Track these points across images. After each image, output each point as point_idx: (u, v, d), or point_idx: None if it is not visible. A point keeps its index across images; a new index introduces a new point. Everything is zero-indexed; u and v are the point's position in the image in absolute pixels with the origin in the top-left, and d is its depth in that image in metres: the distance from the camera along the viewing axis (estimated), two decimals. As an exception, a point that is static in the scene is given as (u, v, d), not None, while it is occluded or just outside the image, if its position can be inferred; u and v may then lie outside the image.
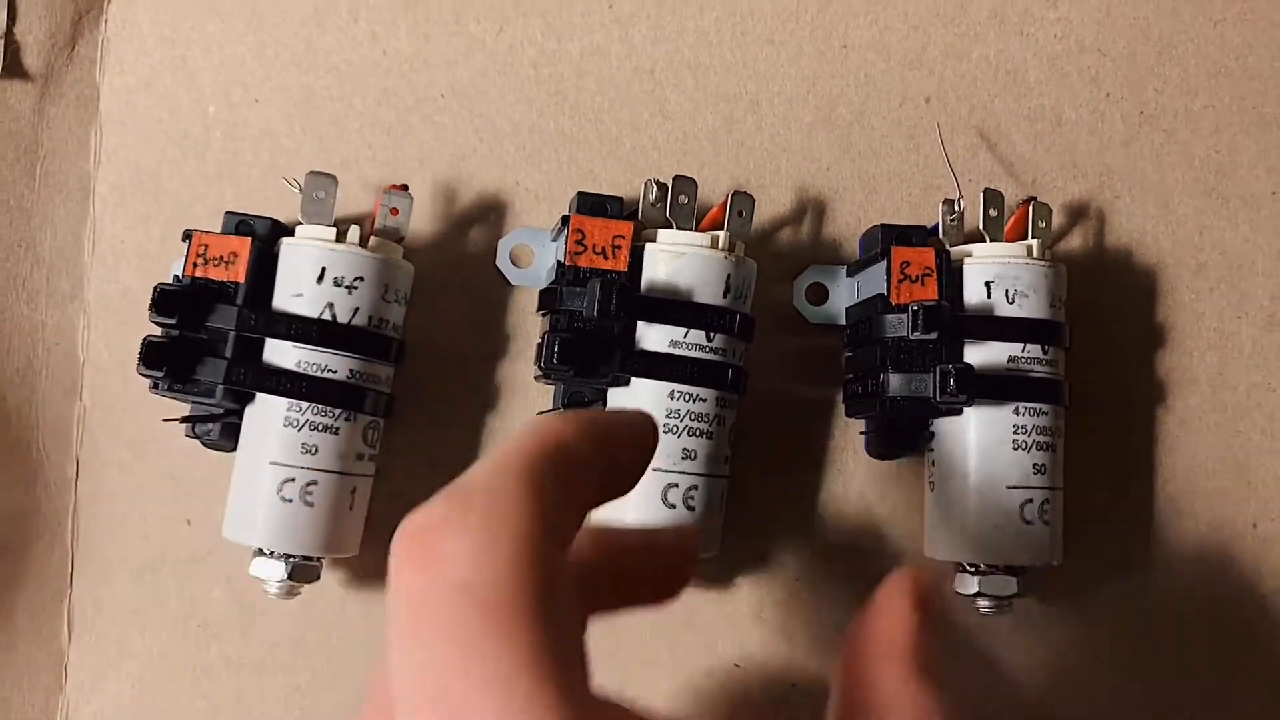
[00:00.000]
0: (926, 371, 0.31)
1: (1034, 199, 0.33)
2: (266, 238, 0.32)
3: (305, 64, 0.36)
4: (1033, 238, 0.33)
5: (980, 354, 0.32)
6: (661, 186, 0.32)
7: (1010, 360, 0.31)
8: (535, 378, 0.33)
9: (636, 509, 0.31)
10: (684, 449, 0.31)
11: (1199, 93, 0.36)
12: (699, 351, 0.31)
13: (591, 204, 0.32)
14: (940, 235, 0.33)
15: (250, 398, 0.31)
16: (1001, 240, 0.33)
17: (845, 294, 0.34)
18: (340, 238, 0.31)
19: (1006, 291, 0.32)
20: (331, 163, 0.36)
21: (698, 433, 0.31)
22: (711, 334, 0.31)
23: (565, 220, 0.32)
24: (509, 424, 0.35)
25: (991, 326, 0.32)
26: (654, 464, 0.30)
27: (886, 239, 0.33)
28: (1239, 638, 0.35)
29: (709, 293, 0.31)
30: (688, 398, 0.31)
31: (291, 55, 0.36)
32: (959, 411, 0.31)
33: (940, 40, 0.36)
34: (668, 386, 0.31)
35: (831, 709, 0.23)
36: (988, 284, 0.32)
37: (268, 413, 0.31)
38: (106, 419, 0.35)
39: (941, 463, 0.32)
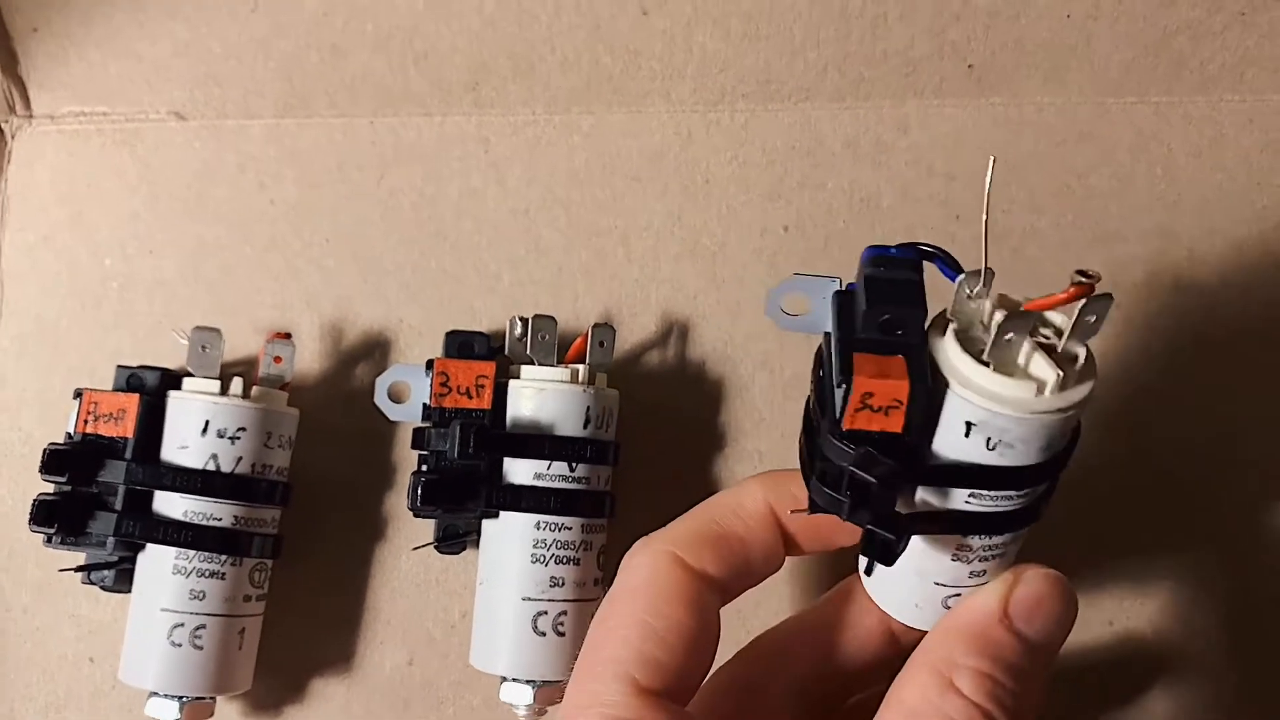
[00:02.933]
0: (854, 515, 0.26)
1: (1087, 276, 0.25)
2: (156, 390, 0.36)
3: (196, 215, 0.41)
4: (1059, 360, 0.26)
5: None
6: (525, 322, 0.36)
7: (971, 498, 0.27)
8: (415, 512, 0.37)
9: (506, 638, 0.34)
10: (551, 577, 0.35)
11: (1044, 210, 0.41)
12: (562, 482, 0.35)
13: (459, 343, 0.37)
14: (962, 291, 0.27)
15: (142, 546, 0.35)
16: (1010, 359, 0.26)
17: (828, 314, 0.29)
18: (224, 388, 0.35)
19: (989, 440, 0.26)
20: (222, 308, 0.40)
21: (564, 560, 0.35)
22: (574, 464, 0.35)
23: (430, 364, 0.36)
24: (397, 553, 0.39)
25: (960, 477, 0.27)
26: (523, 593, 0.35)
27: (869, 321, 0.26)
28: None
29: (570, 425, 0.35)
30: (553, 527, 0.35)
31: (183, 207, 0.41)
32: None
33: (797, 172, 0.41)
34: (534, 518, 0.35)
35: None
36: (969, 424, 0.26)
37: (157, 561, 0.34)
38: (11, 564, 0.39)
39: None
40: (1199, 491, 0.39)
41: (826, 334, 0.28)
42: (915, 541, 0.28)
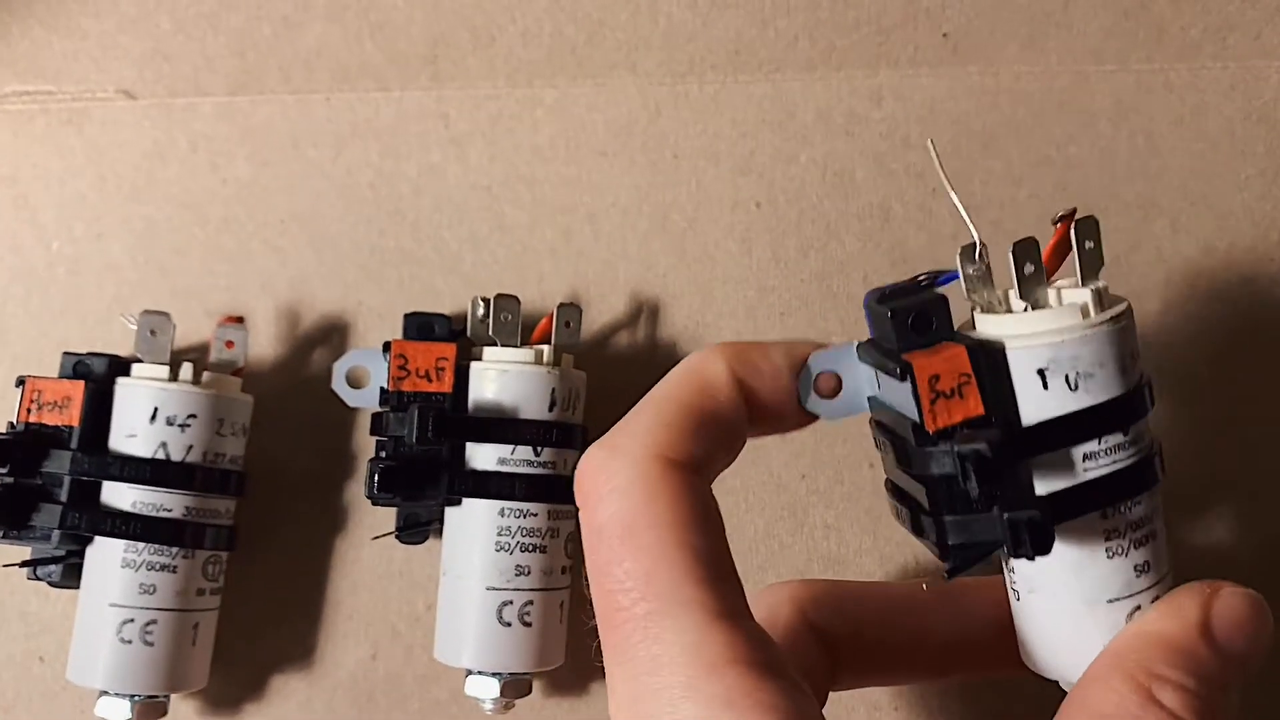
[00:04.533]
0: (989, 510, 0.26)
1: (1074, 213, 0.27)
2: (104, 377, 0.35)
3: (146, 196, 0.39)
4: (1084, 281, 0.27)
5: (1050, 464, 0.26)
6: (488, 303, 0.35)
7: (1087, 459, 0.26)
8: (374, 501, 0.36)
9: (471, 630, 0.33)
10: (517, 565, 0.34)
11: (1023, 182, 0.40)
12: (527, 467, 0.34)
13: (418, 324, 0.36)
14: (965, 295, 0.27)
15: (89, 538, 0.34)
16: (1041, 302, 0.27)
17: (864, 380, 0.28)
18: (174, 375, 0.34)
19: (1068, 377, 0.26)
20: (175, 292, 0.39)
21: (530, 548, 0.34)
22: (539, 448, 0.34)
23: (388, 346, 0.35)
24: (358, 545, 0.37)
25: (1060, 431, 0.26)
26: (487, 583, 0.34)
27: (900, 333, 0.26)
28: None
29: (534, 408, 0.34)
30: (518, 514, 0.34)
31: (132, 188, 0.39)
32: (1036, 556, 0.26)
33: (768, 145, 0.40)
34: (498, 504, 0.34)
35: None
36: (1041, 372, 0.26)
37: (106, 554, 0.33)
38: (-45, 561, 0.38)
39: (1025, 579, 0.28)
40: (1189, 461, 0.38)
41: (871, 404, 0.28)
42: (1065, 554, 0.26)
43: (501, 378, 0.34)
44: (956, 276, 0.27)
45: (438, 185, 0.39)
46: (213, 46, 0.40)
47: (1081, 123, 0.40)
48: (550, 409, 0.34)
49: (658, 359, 0.39)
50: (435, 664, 0.36)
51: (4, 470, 0.33)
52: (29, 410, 0.34)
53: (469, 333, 0.36)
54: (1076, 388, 0.26)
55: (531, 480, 0.34)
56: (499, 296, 0.35)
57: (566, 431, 0.35)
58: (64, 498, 0.33)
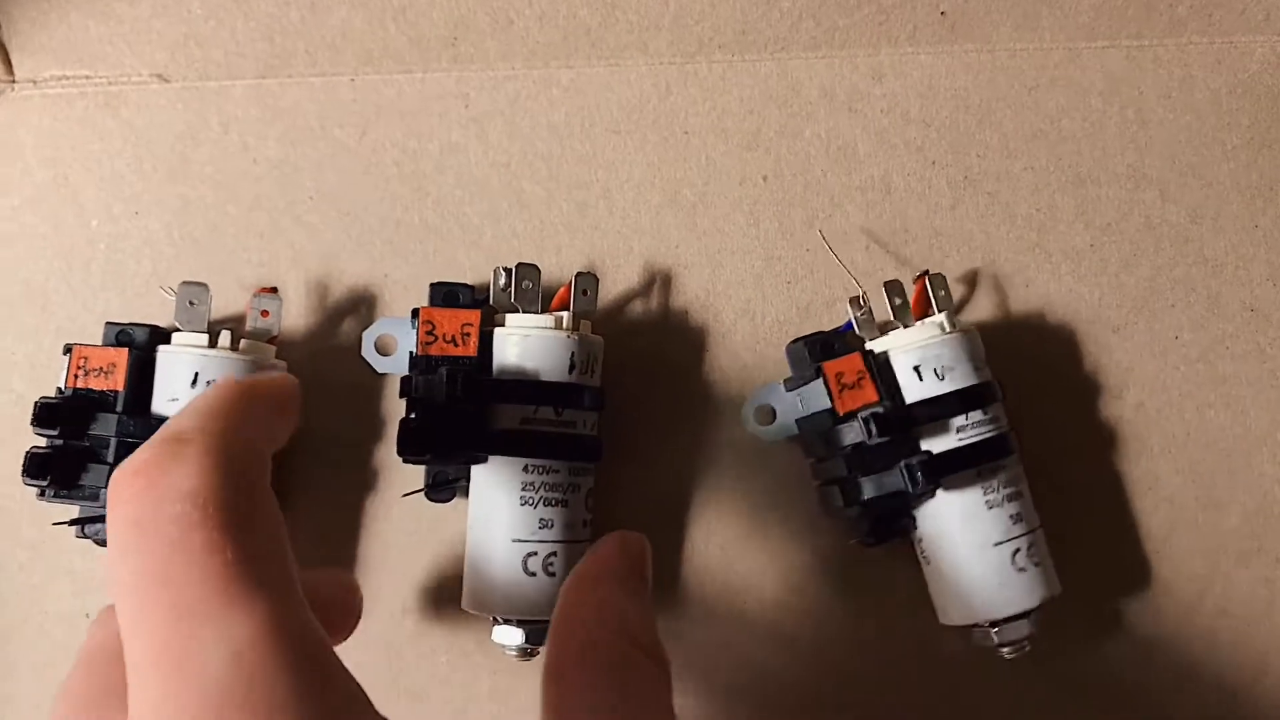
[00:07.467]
0: (892, 468, 0.35)
1: (927, 272, 0.37)
2: (145, 345, 0.36)
3: (181, 176, 0.41)
4: (939, 311, 0.36)
5: (932, 434, 0.35)
6: (510, 272, 0.36)
7: (959, 431, 0.35)
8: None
9: (497, 580, 0.35)
10: (540, 519, 0.35)
11: (1018, 155, 0.41)
12: (549, 426, 0.35)
13: (444, 293, 0.37)
14: (856, 332, 0.37)
15: (134, 496, 0.35)
16: (910, 322, 0.36)
17: (790, 407, 0.37)
18: (212, 343, 0.35)
19: (935, 370, 0.35)
20: (210, 266, 0.40)
21: (553, 502, 0.35)
22: (560, 409, 0.35)
23: (416, 313, 0.36)
24: (388, 504, 0.39)
25: (932, 407, 0.35)
26: (513, 535, 0.35)
27: (813, 355, 0.36)
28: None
29: (555, 371, 0.35)
30: (541, 470, 0.35)
31: (168, 168, 0.41)
32: (933, 495, 0.35)
33: (774, 121, 0.41)
34: (521, 461, 0.35)
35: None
36: (916, 368, 0.35)
37: (150, 510, 0.34)
38: (4, 521, 0.39)
39: (930, 540, 0.36)
40: (1174, 428, 0.40)
41: (799, 424, 0.37)
42: (956, 510, 0.35)
43: (524, 342, 0.36)
44: (851, 325, 0.37)
45: (459, 163, 0.41)
46: (242, 31, 0.41)
47: (1073, 97, 0.41)
48: (570, 371, 0.36)
49: (671, 325, 0.40)
50: (462, 617, 0.38)
51: (54, 432, 0.34)
52: (76, 376, 0.35)
53: (491, 300, 0.37)
54: (943, 378, 0.35)
55: (553, 439, 0.35)
56: (520, 265, 0.36)
57: (586, 393, 0.36)
58: (111, 458, 0.35)
